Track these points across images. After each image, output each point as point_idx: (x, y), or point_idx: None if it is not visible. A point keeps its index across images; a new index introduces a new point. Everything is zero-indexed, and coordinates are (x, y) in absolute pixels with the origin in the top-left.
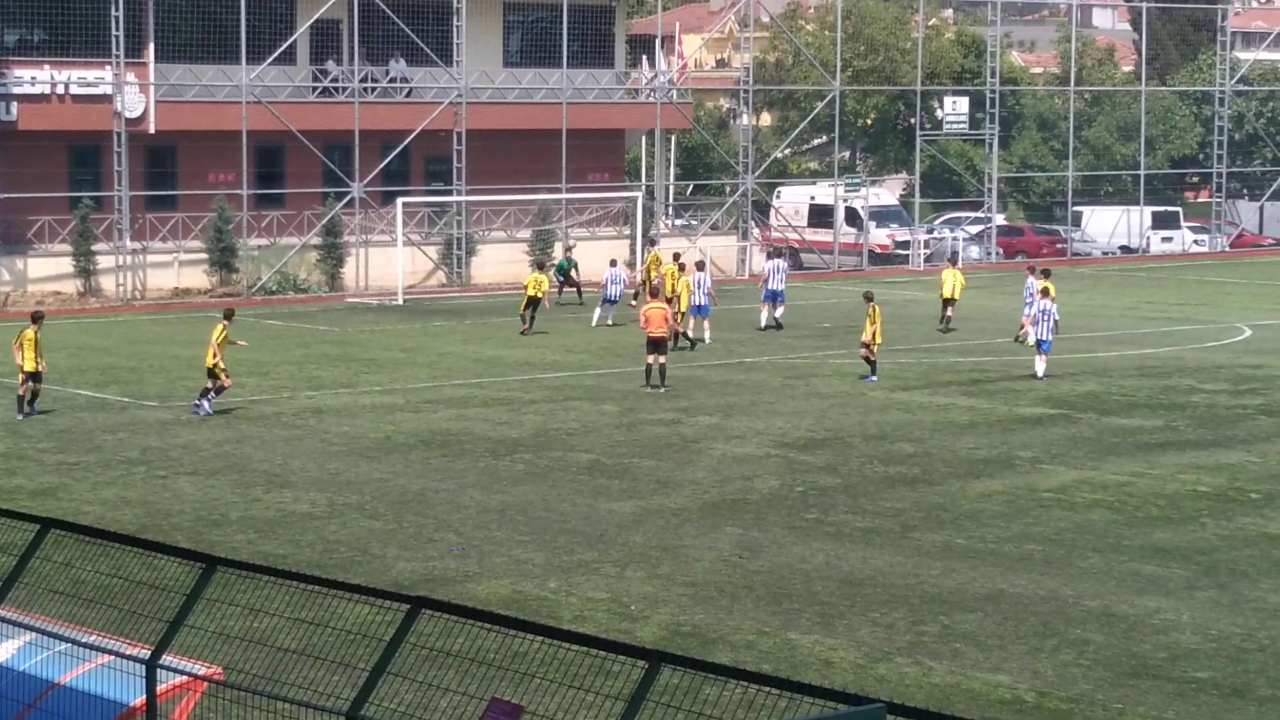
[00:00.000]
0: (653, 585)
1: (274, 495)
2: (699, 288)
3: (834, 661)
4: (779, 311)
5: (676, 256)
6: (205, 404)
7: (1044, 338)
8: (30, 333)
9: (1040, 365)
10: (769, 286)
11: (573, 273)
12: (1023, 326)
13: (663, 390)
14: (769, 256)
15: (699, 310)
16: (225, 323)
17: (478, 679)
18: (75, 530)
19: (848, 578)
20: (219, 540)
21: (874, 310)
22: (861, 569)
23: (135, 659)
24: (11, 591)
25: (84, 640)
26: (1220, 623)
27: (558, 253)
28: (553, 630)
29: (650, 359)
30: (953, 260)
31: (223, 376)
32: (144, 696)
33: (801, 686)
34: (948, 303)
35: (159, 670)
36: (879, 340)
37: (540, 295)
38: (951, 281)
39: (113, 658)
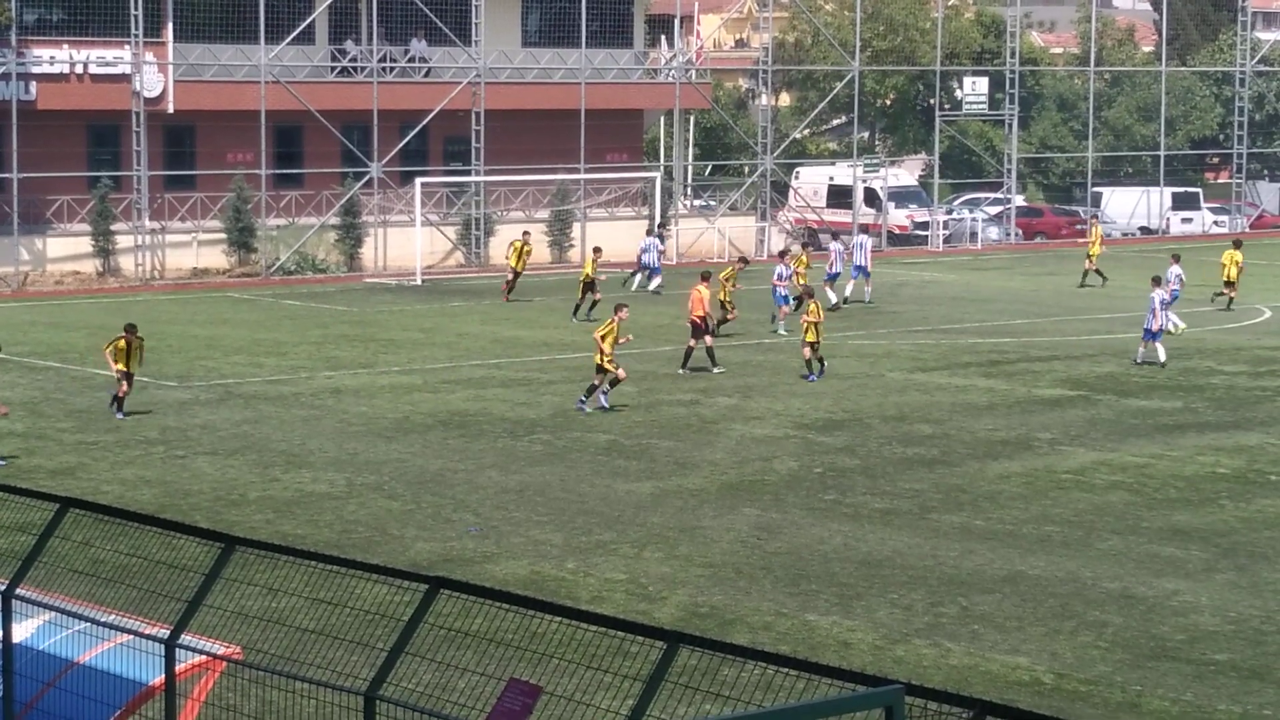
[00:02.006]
0: (670, 566)
1: (292, 475)
2: (780, 278)
3: (852, 643)
4: (869, 289)
5: (806, 246)
6: (600, 399)
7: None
8: (122, 343)
9: (1161, 352)
10: (832, 270)
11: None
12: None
13: (715, 371)
14: (834, 237)
15: (784, 300)
16: (617, 316)
17: (496, 659)
18: (94, 510)
19: (866, 559)
20: (237, 520)
21: (815, 307)
22: (880, 550)
23: (154, 638)
24: (31, 571)
25: (103, 620)
26: (1239, 605)
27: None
28: (571, 611)
29: (691, 342)
30: (1095, 218)
31: (612, 368)
32: (163, 676)
33: (819, 668)
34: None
35: (178, 650)
36: (818, 337)
37: (595, 278)
38: (1098, 240)
39: (132, 637)
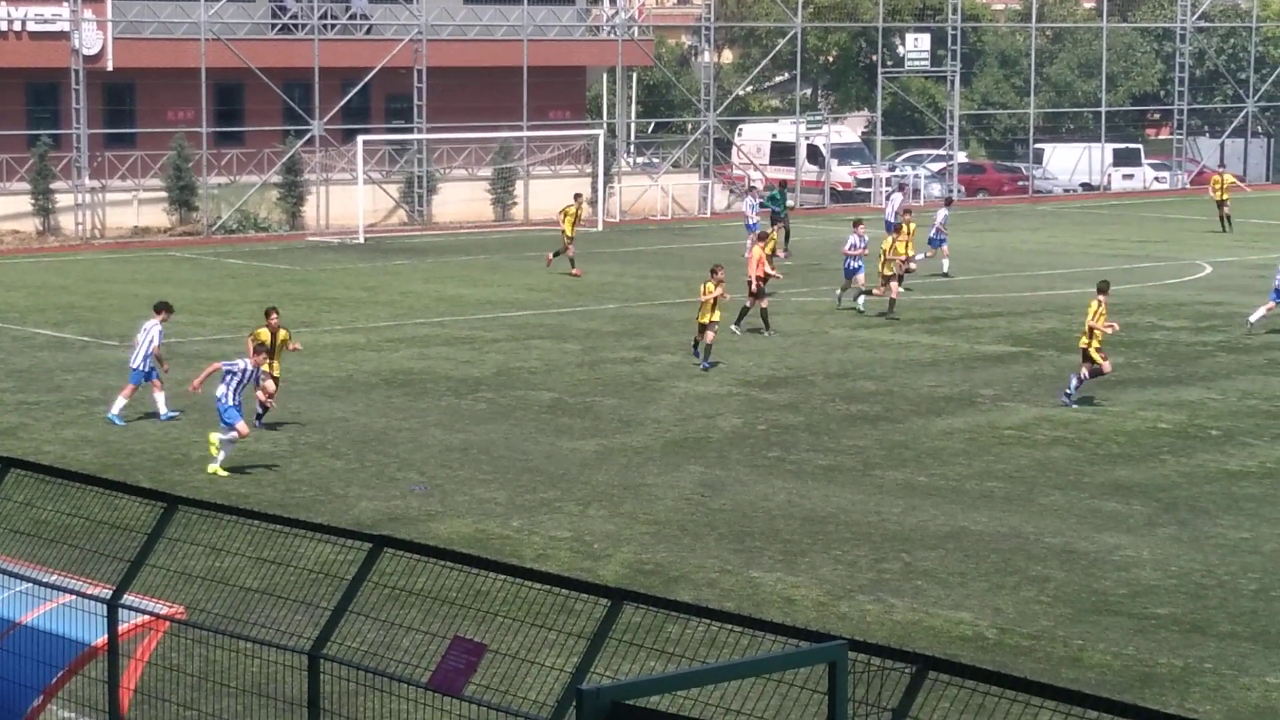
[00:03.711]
0: (615, 524)
1: None
2: (854, 250)
3: (796, 599)
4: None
5: (907, 212)
6: (1069, 389)
7: None
8: (264, 333)
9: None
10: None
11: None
12: None
13: (767, 334)
14: (946, 203)
15: (850, 272)
16: (1102, 297)
17: (440, 617)
18: (36, 470)
19: (810, 516)
20: (180, 480)
21: (716, 290)
22: (823, 507)
23: (97, 599)
24: None
25: (45, 580)
26: (1180, 559)
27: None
28: (515, 569)
29: (748, 301)
30: (1223, 167)
31: (1100, 359)
32: (105, 636)
33: (763, 624)
34: (1222, 204)
35: (120, 610)
36: (715, 317)
37: (770, 272)
38: (1221, 184)
39: (74, 597)
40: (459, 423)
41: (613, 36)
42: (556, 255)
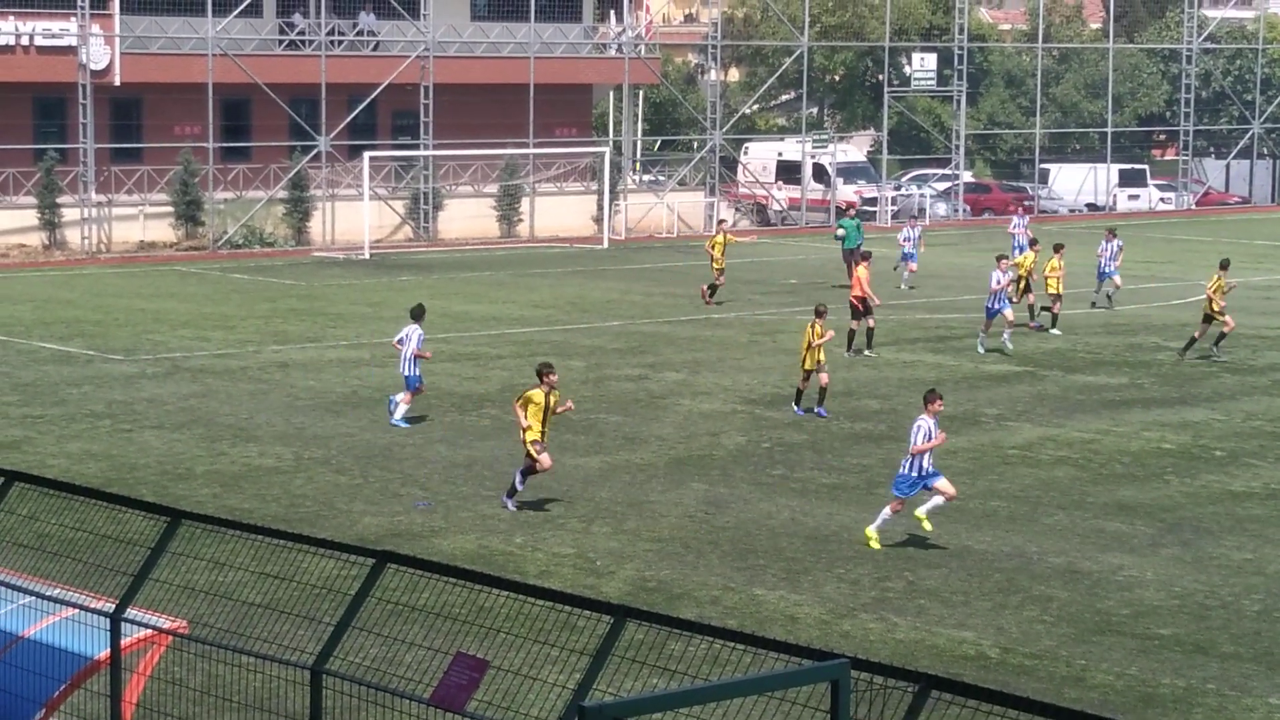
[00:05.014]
0: (619, 541)
1: (240, 449)
2: (998, 285)
3: (799, 617)
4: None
5: (1034, 243)
6: None
7: None
8: (538, 395)
9: None
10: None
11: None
12: None
13: (868, 354)
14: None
15: (991, 314)
16: None
17: (443, 633)
18: (40, 483)
19: (813, 534)
20: (184, 494)
21: (817, 328)
22: (827, 525)
23: (100, 612)
24: None
25: (48, 594)
26: (1184, 580)
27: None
28: (518, 585)
29: (853, 324)
30: None
31: None
32: (108, 650)
33: (766, 642)
34: None
35: (123, 624)
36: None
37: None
38: None
39: (77, 611)
40: (463, 439)
41: (619, 54)
42: (712, 291)
